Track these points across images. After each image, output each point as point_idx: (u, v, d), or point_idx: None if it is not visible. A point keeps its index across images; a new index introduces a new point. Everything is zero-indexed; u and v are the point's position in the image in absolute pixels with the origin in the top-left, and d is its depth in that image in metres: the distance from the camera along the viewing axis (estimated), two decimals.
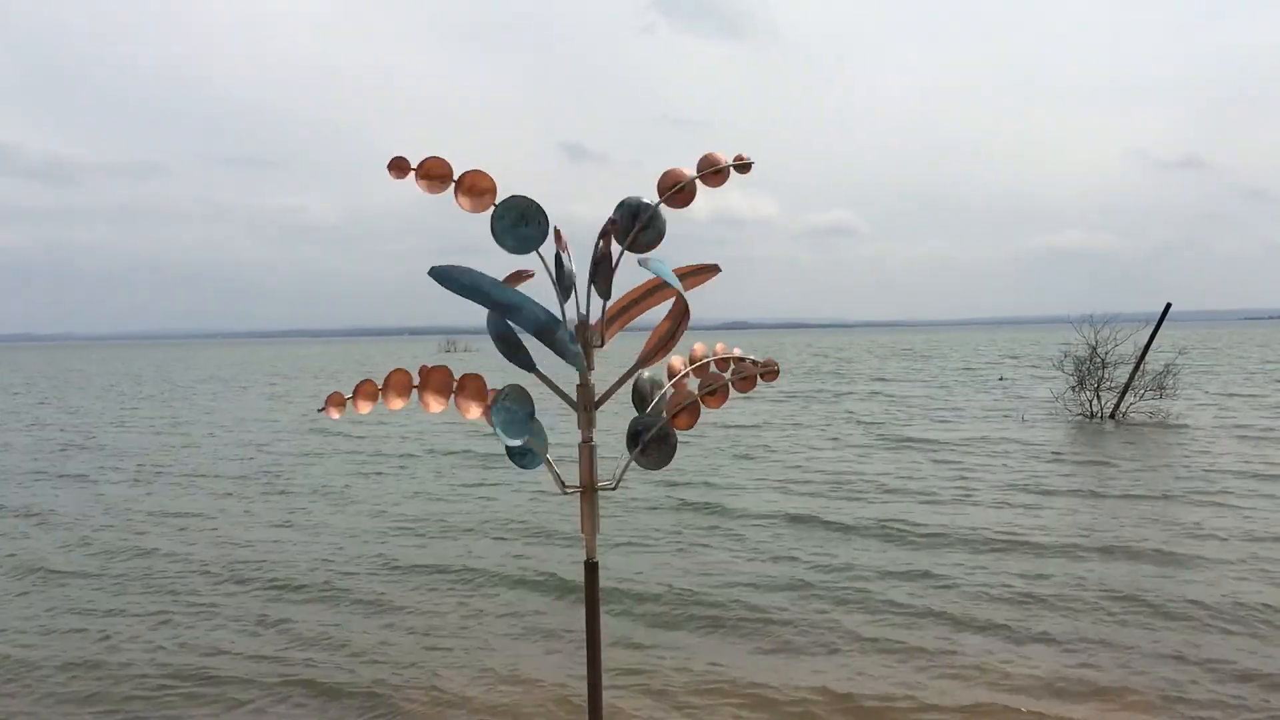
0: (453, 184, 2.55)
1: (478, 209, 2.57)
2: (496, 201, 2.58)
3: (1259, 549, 8.28)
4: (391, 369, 2.60)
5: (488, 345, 3.04)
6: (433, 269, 2.57)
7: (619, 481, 2.92)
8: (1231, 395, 23.73)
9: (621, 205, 2.73)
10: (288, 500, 11.85)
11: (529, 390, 2.73)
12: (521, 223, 2.60)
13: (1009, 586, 7.32)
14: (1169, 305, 20.06)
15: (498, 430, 2.63)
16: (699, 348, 3.02)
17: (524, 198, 2.60)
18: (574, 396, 2.87)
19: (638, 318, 2.96)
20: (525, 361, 2.89)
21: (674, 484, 11.99)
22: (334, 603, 7.31)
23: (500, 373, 2.80)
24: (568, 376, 2.82)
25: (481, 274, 2.61)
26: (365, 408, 2.59)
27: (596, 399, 2.88)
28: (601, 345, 2.87)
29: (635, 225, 2.70)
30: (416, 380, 2.61)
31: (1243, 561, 7.89)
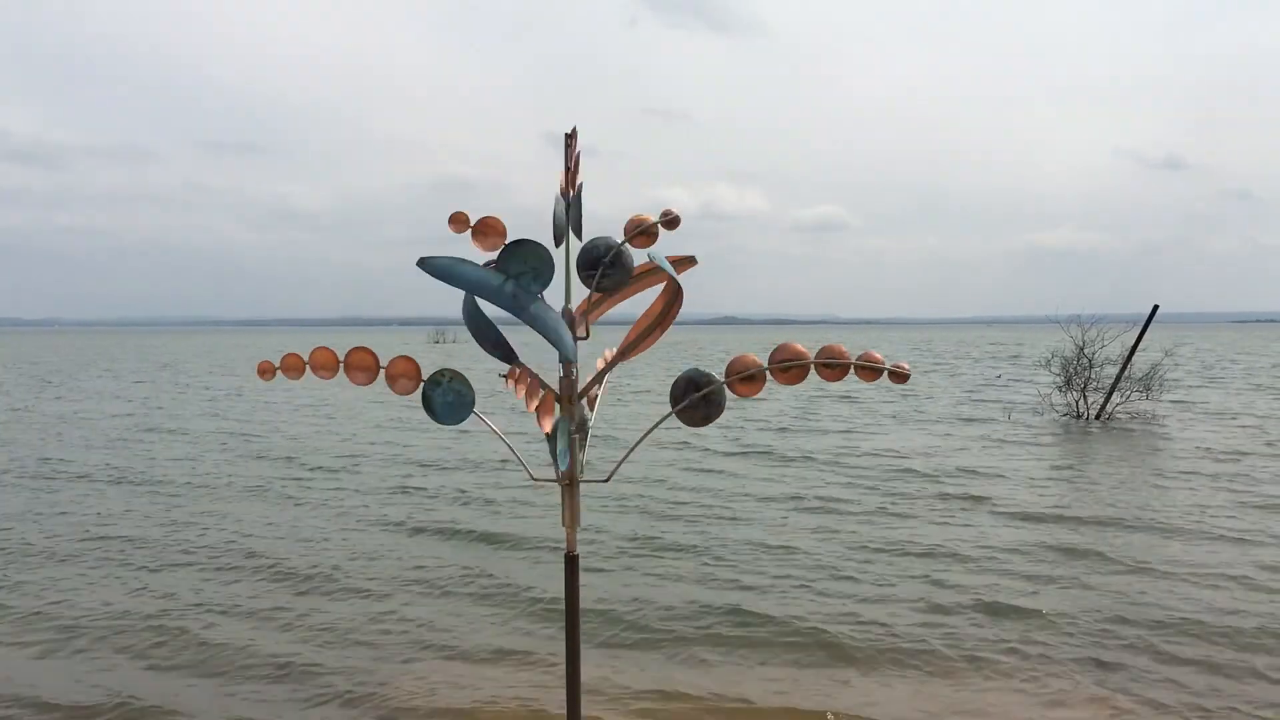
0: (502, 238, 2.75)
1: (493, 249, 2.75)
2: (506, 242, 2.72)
3: (1229, 552, 8.31)
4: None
5: None
6: (420, 260, 2.60)
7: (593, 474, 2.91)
8: (1218, 398, 23.87)
9: (585, 250, 2.78)
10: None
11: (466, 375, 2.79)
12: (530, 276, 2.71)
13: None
14: (1156, 307, 20.10)
15: (438, 414, 2.72)
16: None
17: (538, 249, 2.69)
18: (555, 388, 2.87)
19: (609, 310, 2.95)
20: (507, 354, 2.88)
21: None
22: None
23: (489, 362, 2.80)
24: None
25: (464, 261, 2.70)
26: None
27: (579, 390, 2.89)
28: (587, 336, 2.87)
29: (600, 269, 2.74)
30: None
31: (1212, 569, 7.80)
